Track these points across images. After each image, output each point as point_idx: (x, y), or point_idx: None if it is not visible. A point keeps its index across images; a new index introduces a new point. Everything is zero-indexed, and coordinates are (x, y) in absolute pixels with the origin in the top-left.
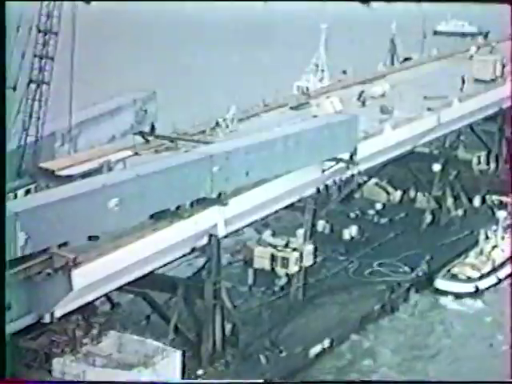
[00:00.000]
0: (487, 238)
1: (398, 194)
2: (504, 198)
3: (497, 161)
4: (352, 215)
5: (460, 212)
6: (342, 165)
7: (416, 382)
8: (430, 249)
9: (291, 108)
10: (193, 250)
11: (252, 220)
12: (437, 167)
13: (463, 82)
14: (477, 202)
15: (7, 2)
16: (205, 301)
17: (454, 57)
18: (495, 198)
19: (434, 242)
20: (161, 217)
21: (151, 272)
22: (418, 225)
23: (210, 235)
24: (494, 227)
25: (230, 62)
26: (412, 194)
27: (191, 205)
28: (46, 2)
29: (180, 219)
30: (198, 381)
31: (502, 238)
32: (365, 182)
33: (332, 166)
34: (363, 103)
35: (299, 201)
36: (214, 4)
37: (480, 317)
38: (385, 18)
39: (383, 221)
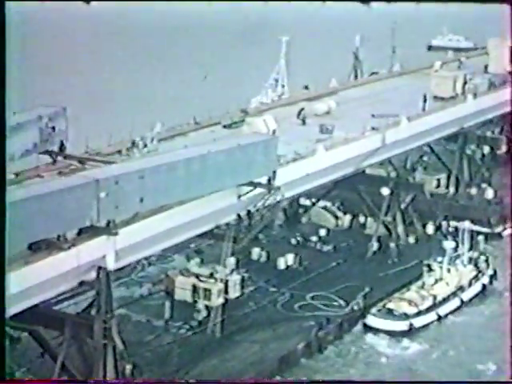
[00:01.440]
0: (431, 269)
1: (347, 218)
2: (461, 225)
3: (457, 184)
4: (293, 241)
5: (411, 239)
6: (261, 190)
7: (416, 382)
8: (372, 280)
9: (224, 126)
10: (81, 283)
11: (152, 251)
12: (385, 191)
13: (425, 100)
14: (430, 229)
15: (7, 2)
16: (94, 340)
17: (418, 72)
18: (452, 224)
19: (378, 272)
20: (39, 247)
21: (36, 306)
22: (364, 253)
23: (99, 268)
24: (440, 258)
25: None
26: (362, 219)
27: (78, 233)
28: None
29: (60, 250)
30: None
31: (448, 270)
32: (313, 204)
33: (249, 192)
34: (303, 121)
35: (218, 227)
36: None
37: (409, 364)
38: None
39: (326, 248)
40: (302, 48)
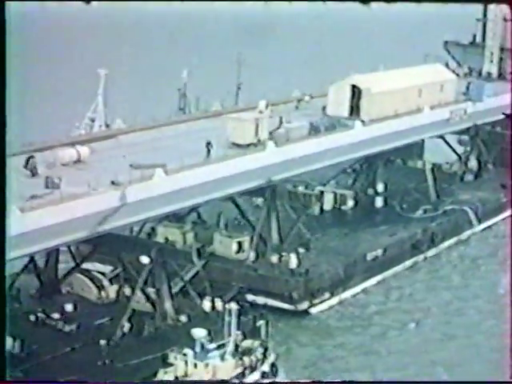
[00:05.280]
0: (167, 364)
1: (114, 288)
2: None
3: (257, 248)
4: (32, 318)
5: (183, 318)
6: None
7: (416, 382)
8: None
9: None
10: None
11: None
12: (145, 259)
13: (208, 147)
14: (207, 305)
15: (7, 2)
16: None
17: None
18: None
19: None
20: None
21: None
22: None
23: None
24: (187, 350)
25: None
26: (127, 290)
27: None
28: None
29: None
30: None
31: (195, 365)
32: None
33: None
34: (32, 173)
35: None
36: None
37: None
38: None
39: (69, 328)
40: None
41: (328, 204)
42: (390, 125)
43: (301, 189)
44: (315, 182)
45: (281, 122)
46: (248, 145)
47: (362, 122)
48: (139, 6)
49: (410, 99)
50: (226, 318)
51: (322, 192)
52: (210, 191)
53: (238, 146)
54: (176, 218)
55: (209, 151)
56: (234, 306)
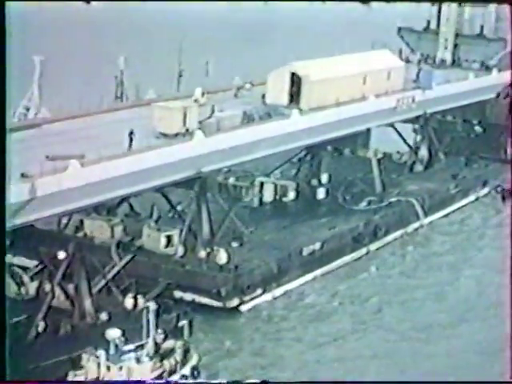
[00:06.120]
0: (76, 367)
1: (34, 285)
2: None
3: (185, 242)
4: None
5: (104, 316)
6: None
7: (416, 382)
8: None
9: None
10: None
11: None
12: (62, 254)
13: (131, 137)
14: (129, 302)
15: (7, 2)
16: None
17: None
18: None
19: None
20: None
21: None
22: None
23: None
24: (100, 351)
25: None
26: (48, 286)
27: None
28: None
29: None
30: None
31: (108, 367)
32: None
33: None
34: None
35: None
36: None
37: None
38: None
39: None
40: None
41: (268, 196)
42: (330, 114)
43: (232, 180)
44: (258, 173)
45: (213, 111)
46: (176, 134)
47: (300, 110)
48: (140, 5)
49: (353, 87)
50: (144, 317)
51: (262, 183)
52: (133, 183)
53: (165, 135)
54: (106, 210)
55: (131, 141)
56: (151, 303)
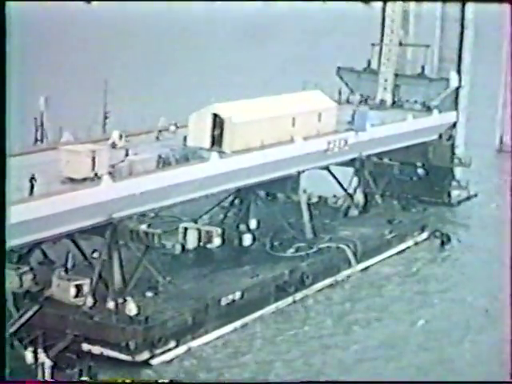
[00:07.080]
0: None
1: None
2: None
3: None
4: None
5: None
6: None
7: (416, 382)
8: None
9: None
10: None
11: None
12: None
13: (32, 182)
14: (29, 356)
15: (7, 2)
16: None
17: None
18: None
19: None
20: None
21: None
22: None
23: None
24: None
25: None
26: None
27: None
28: None
29: None
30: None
31: None
32: None
33: None
34: None
35: None
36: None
37: None
38: None
39: None
40: None
41: (191, 242)
42: (254, 157)
43: (143, 227)
44: (186, 218)
45: (126, 155)
46: (84, 179)
47: (221, 153)
48: (140, 5)
49: (281, 129)
50: (39, 373)
51: (185, 228)
52: (34, 231)
53: (73, 180)
54: (17, 257)
55: (32, 187)
56: (46, 360)
